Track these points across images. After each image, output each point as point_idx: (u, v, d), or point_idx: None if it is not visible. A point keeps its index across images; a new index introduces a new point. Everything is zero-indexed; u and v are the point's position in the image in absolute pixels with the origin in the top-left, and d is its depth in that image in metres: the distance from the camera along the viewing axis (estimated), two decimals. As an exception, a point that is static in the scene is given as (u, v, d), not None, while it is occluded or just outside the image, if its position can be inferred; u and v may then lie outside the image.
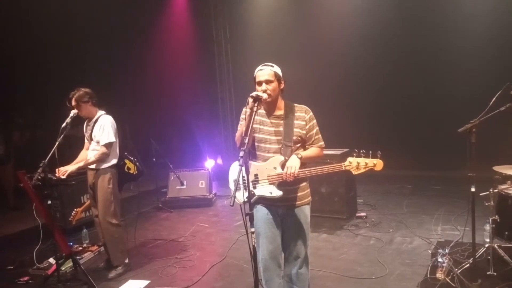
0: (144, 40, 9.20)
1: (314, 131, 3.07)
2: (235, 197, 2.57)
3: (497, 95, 3.41)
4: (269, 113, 3.08)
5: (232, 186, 3.14)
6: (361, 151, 2.88)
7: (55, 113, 4.73)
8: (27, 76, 7.44)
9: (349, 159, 2.90)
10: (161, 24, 9.82)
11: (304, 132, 3.03)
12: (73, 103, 4.26)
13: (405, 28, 7.93)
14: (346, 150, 5.92)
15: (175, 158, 8.32)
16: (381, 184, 7.49)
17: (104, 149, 4.30)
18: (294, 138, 3.00)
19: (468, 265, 3.86)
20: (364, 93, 8.51)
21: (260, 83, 2.95)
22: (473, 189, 3.42)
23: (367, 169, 2.89)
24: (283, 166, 2.93)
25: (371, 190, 7.15)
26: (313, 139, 3.07)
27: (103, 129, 4.31)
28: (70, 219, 5.01)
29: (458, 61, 7.54)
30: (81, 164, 4.34)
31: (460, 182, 4.60)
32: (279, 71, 3.00)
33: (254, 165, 3.06)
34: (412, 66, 7.98)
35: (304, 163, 2.99)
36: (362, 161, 2.88)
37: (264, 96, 2.88)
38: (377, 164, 2.88)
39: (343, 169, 2.91)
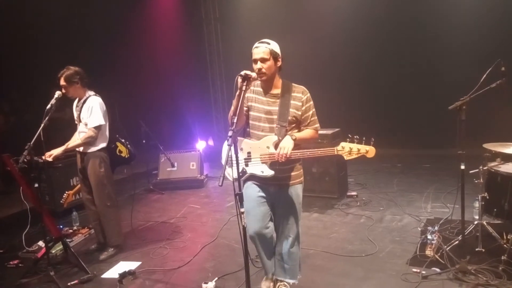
0: (132, 21, 8.98)
1: (310, 112, 3.03)
2: (223, 177, 2.54)
3: (487, 72, 3.38)
4: (266, 91, 3.03)
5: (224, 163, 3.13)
6: (355, 136, 2.85)
7: (41, 96, 4.61)
8: (12, 60, 7.25)
9: (342, 144, 2.87)
10: (148, 4, 9.60)
11: (300, 113, 2.99)
12: (62, 82, 4.14)
13: (395, 5, 7.86)
14: (337, 129, 5.92)
15: (165, 140, 8.25)
16: (372, 163, 7.48)
17: (91, 132, 4.21)
18: (289, 118, 2.96)
19: (457, 242, 3.92)
20: (354, 71, 8.45)
21: (255, 61, 2.88)
22: (462, 167, 3.42)
23: (359, 155, 2.87)
24: (276, 146, 2.91)
25: (362, 170, 7.17)
26: (308, 120, 3.03)
27: (91, 111, 4.21)
28: (61, 201, 4.98)
29: (447, 38, 7.51)
30: (66, 146, 4.26)
31: (450, 160, 4.64)
32: (276, 48, 2.93)
33: (248, 143, 3.04)
34: (402, 43, 7.94)
35: (298, 144, 2.96)
36: (355, 147, 2.85)
37: (253, 75, 2.82)
38: (370, 151, 2.86)
39: (335, 153, 2.89)
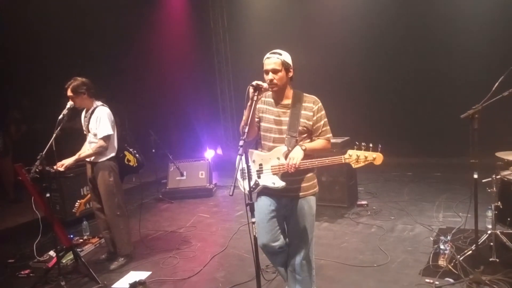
0: (141, 30, 9.09)
1: (322, 122, 3.00)
2: (234, 186, 2.53)
3: (500, 80, 3.35)
4: (277, 101, 3.02)
5: (238, 175, 3.12)
6: (362, 143, 2.81)
7: (53, 105, 4.67)
8: (23, 68, 7.36)
9: (349, 151, 2.83)
10: (158, 14, 9.70)
11: (311, 123, 2.97)
12: (69, 93, 4.19)
13: (405, 12, 7.87)
14: (346, 138, 5.88)
15: (174, 149, 8.30)
16: (382, 172, 7.46)
17: (102, 142, 4.24)
18: (300, 128, 2.94)
19: (470, 252, 3.86)
20: (364, 79, 8.45)
21: (267, 72, 2.88)
22: (475, 176, 3.39)
23: (366, 162, 2.83)
24: (286, 156, 2.88)
25: (372, 178, 7.13)
26: (320, 130, 3.01)
27: (100, 121, 4.24)
28: (74, 210, 5.01)
29: (458, 45, 7.48)
30: (77, 156, 4.29)
31: (461, 169, 4.60)
32: (288, 58, 2.92)
33: (259, 155, 3.03)
34: (412, 51, 7.92)
35: (309, 154, 2.93)
36: (362, 154, 2.81)
37: (265, 85, 2.81)
38: (377, 158, 2.81)
39: (343, 161, 2.85)
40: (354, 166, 2.86)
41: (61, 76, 4.36)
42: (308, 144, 2.94)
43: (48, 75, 7.20)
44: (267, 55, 2.91)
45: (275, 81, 2.86)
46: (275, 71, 2.86)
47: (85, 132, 4.46)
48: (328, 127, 3.05)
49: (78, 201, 5.01)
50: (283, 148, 2.93)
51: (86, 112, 4.40)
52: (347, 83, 8.54)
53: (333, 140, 5.63)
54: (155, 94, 9.55)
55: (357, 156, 2.82)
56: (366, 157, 2.82)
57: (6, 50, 7.08)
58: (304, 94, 3.02)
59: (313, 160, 2.91)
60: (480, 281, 3.38)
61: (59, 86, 4.30)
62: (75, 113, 4.33)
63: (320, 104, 3.01)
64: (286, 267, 3.27)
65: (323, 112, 3.01)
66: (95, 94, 4.38)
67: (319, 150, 3.00)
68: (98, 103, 4.38)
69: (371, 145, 2.82)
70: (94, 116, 4.28)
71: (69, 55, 7.61)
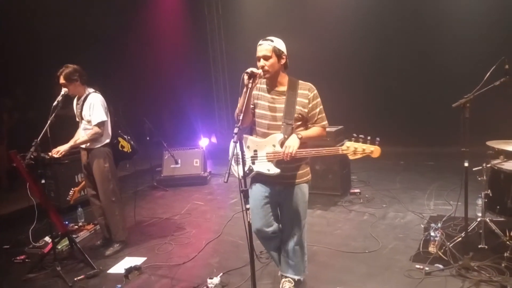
0: (135, 18, 9.00)
1: (318, 110, 3.01)
2: (228, 173, 2.56)
3: (491, 70, 3.39)
4: (271, 88, 3.03)
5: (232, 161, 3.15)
6: (360, 136, 2.80)
7: (47, 92, 4.64)
8: (16, 55, 7.28)
9: (347, 143, 2.84)
10: (152, 2, 9.61)
11: (306, 110, 2.98)
12: (61, 80, 4.17)
13: (399, 2, 7.85)
14: (340, 127, 5.93)
15: (169, 137, 8.29)
16: (374, 160, 7.43)
17: (97, 129, 4.25)
18: (295, 115, 2.95)
19: (460, 238, 3.94)
20: (357, 69, 8.46)
21: (258, 59, 2.89)
22: (466, 164, 3.44)
23: (364, 155, 2.83)
24: (282, 144, 2.90)
25: (365, 167, 7.17)
26: (316, 118, 3.02)
27: (93, 108, 4.24)
28: (68, 198, 5.04)
29: (451, 35, 7.52)
30: (73, 143, 4.29)
31: (453, 158, 4.66)
32: (280, 45, 2.92)
33: (254, 141, 3.04)
34: (405, 40, 7.94)
35: (305, 142, 2.95)
36: (360, 146, 2.81)
37: (259, 71, 2.83)
38: (375, 151, 2.81)
39: (340, 153, 2.87)
40: (351, 157, 2.86)
41: (55, 64, 4.33)
42: (304, 132, 2.96)
43: (41, 64, 7.12)
44: (260, 41, 2.92)
45: (266, 67, 2.87)
46: (266, 58, 2.87)
47: (77, 119, 4.46)
48: (324, 115, 3.07)
49: (72, 189, 5.02)
50: (279, 135, 2.94)
51: (78, 99, 4.39)
52: (342, 72, 8.54)
53: (327, 129, 5.70)
54: (149, 82, 9.50)
55: (354, 148, 2.82)
56: (363, 150, 2.82)
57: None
58: (299, 81, 3.04)
59: (310, 149, 2.92)
60: (469, 267, 3.46)
61: (51, 75, 4.28)
62: (69, 99, 4.32)
63: (315, 91, 3.02)
64: (280, 252, 3.33)
65: (319, 99, 3.03)
66: (87, 81, 4.36)
67: (314, 138, 3.03)
68: (91, 89, 4.37)
69: (369, 138, 2.81)
70: (87, 103, 4.27)
71: (63, 44, 7.52)
